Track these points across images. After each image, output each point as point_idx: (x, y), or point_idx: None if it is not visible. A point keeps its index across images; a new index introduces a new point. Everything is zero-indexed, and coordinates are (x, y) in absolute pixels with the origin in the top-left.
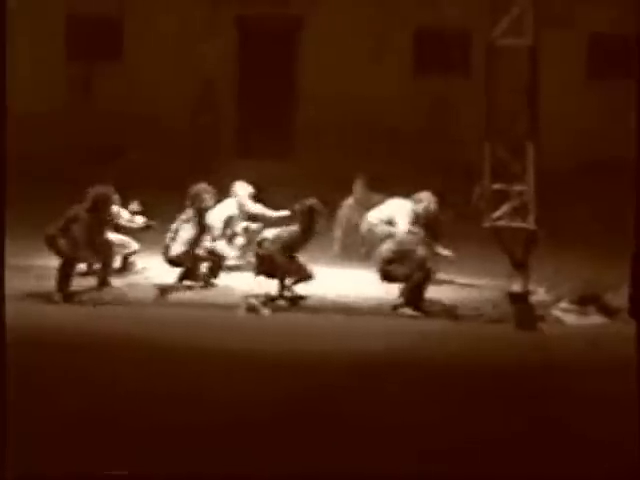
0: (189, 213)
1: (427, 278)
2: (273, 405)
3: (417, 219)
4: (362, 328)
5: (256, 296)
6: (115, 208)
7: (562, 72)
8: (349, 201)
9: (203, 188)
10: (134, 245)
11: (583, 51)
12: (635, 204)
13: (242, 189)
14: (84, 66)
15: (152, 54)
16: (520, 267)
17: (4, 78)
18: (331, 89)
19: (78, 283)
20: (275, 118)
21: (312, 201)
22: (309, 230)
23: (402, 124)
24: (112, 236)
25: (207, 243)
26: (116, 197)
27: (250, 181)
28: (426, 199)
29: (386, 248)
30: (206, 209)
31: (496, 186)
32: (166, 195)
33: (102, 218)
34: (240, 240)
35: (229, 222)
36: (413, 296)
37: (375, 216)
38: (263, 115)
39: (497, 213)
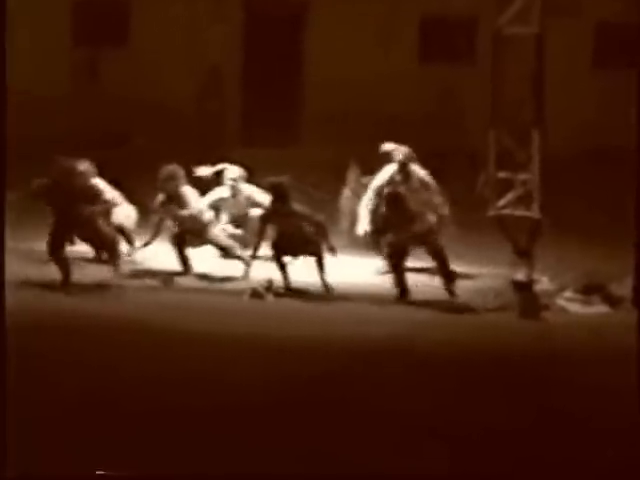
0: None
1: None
2: (276, 389)
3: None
4: (365, 315)
5: (260, 282)
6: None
7: (568, 60)
8: (346, 192)
9: (173, 170)
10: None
11: (589, 40)
12: (636, 194)
13: (233, 172)
14: (90, 51)
15: (158, 39)
16: (524, 256)
17: (4, 71)
18: (336, 75)
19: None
20: (281, 105)
21: (282, 178)
22: (279, 205)
23: (407, 111)
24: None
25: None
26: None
27: (254, 168)
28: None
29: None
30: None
31: (501, 174)
32: None
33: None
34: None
35: (220, 205)
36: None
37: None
38: (268, 102)
39: (501, 201)
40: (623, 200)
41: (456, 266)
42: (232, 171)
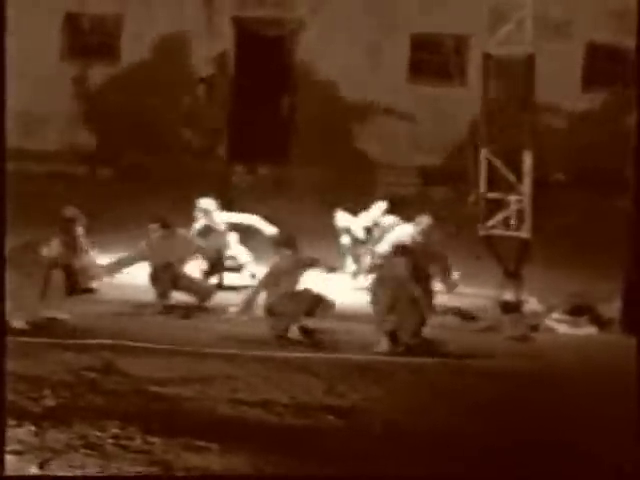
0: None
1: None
2: None
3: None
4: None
5: None
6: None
7: (557, 81)
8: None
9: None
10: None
11: (579, 61)
12: (628, 216)
13: (207, 205)
14: (80, 66)
15: (149, 55)
16: (513, 276)
17: (3, 72)
18: (327, 93)
19: None
20: (270, 122)
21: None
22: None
23: (397, 130)
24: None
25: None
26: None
27: (243, 186)
28: (424, 222)
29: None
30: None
31: (491, 194)
32: (162, 198)
33: None
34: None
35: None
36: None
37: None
38: (258, 119)
39: (491, 221)
40: (612, 222)
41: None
42: (204, 203)
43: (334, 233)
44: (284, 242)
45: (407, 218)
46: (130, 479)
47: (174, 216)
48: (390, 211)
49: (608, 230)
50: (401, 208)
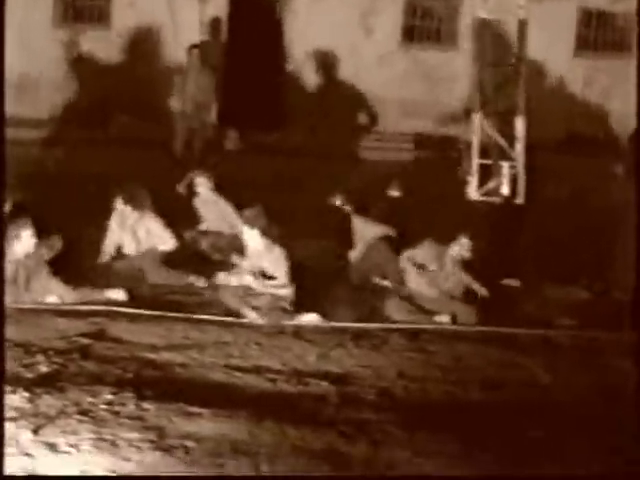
0: None
1: None
2: None
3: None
4: None
5: None
6: None
7: (549, 46)
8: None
9: None
10: None
11: (571, 26)
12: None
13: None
14: (72, 31)
15: (141, 19)
16: (506, 242)
17: (3, 71)
18: (319, 57)
19: None
20: (263, 88)
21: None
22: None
23: (389, 95)
24: None
25: None
26: None
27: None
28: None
29: None
30: None
31: (484, 161)
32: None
33: None
34: None
35: None
36: None
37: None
38: (251, 85)
39: (485, 188)
40: (602, 184)
41: None
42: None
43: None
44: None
45: None
46: (130, 479)
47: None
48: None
49: (600, 197)
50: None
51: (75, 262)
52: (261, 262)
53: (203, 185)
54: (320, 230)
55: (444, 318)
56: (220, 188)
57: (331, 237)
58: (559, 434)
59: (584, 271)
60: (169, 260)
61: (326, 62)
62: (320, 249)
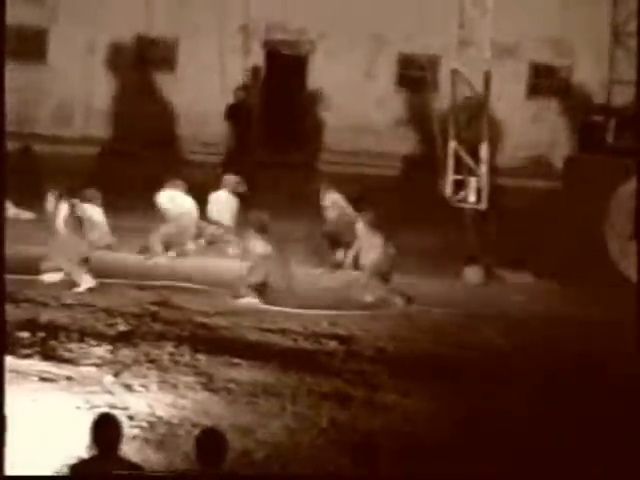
0: None
1: None
2: None
3: None
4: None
5: None
6: None
7: (507, 91)
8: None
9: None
10: None
11: (524, 76)
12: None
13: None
14: (145, 74)
15: (200, 66)
16: (473, 237)
17: (3, 72)
18: (332, 99)
19: None
20: (291, 120)
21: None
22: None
23: (386, 127)
24: None
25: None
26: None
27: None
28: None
29: None
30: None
31: (457, 177)
32: None
33: None
34: None
35: None
36: None
37: None
38: (282, 117)
39: (457, 196)
40: (550, 195)
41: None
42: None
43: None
44: (257, 226)
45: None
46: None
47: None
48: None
49: (544, 204)
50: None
51: None
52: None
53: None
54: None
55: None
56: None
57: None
58: (508, 375)
59: (531, 260)
60: None
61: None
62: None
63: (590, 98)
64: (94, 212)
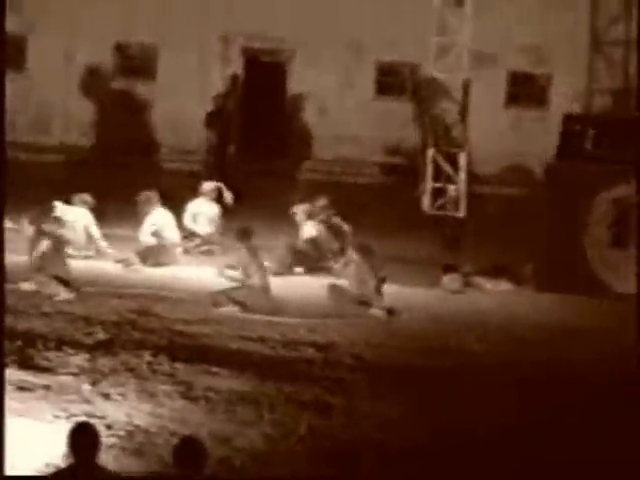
0: None
1: None
2: None
3: None
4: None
5: None
6: None
7: (486, 99)
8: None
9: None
10: None
11: (502, 84)
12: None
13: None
14: (125, 84)
15: (180, 75)
16: (451, 245)
17: (3, 75)
18: (312, 107)
19: None
20: (269, 128)
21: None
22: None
23: (364, 135)
24: None
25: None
26: None
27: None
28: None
29: None
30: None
31: (436, 184)
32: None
33: None
34: None
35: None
36: None
37: None
38: (262, 125)
39: (436, 204)
40: (528, 204)
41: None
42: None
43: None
44: (239, 235)
45: None
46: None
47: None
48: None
49: (523, 210)
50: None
51: None
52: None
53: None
54: None
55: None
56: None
57: None
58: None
59: (509, 268)
60: None
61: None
62: None
63: (569, 106)
64: (86, 217)
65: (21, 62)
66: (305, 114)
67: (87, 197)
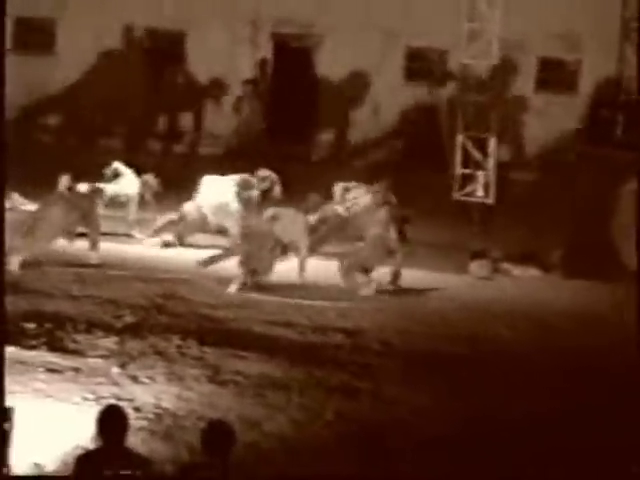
0: None
1: None
2: None
3: None
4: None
5: None
6: None
7: (516, 86)
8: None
9: None
10: None
11: (532, 71)
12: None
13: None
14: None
15: (210, 59)
16: (479, 231)
17: (3, 71)
18: (342, 93)
19: None
20: (300, 112)
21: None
22: None
23: (395, 122)
24: None
25: None
26: None
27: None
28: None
29: None
30: None
31: (465, 170)
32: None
33: None
34: None
35: None
36: None
37: None
38: (290, 110)
39: (465, 190)
40: (557, 195)
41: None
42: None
43: None
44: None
45: None
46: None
47: None
48: None
49: (551, 198)
50: None
51: None
52: None
53: None
54: None
55: None
56: None
57: None
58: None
59: (538, 254)
60: None
61: (348, 94)
62: None
63: (599, 92)
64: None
65: (51, 44)
66: (334, 100)
67: (152, 178)
